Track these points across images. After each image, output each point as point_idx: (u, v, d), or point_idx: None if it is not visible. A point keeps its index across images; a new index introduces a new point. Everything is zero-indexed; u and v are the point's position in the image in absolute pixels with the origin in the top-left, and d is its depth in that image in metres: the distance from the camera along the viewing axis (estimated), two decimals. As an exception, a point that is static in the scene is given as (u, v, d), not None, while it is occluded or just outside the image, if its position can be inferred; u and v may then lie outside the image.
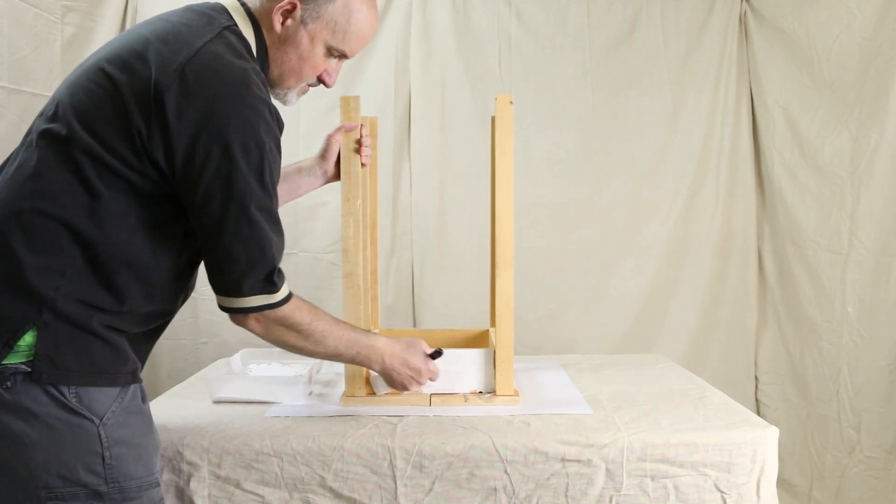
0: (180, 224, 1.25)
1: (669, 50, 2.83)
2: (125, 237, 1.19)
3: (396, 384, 1.63)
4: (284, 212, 2.80)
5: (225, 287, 1.26)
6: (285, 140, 2.98)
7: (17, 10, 2.23)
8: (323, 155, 1.78)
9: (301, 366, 1.99)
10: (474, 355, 1.77)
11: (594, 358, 2.31)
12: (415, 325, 2.82)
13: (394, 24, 2.78)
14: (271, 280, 1.27)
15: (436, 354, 1.67)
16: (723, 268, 2.88)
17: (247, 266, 1.23)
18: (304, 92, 1.45)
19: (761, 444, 1.53)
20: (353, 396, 1.73)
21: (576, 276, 2.85)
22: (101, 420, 1.18)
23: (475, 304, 2.55)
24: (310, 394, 1.82)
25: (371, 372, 1.70)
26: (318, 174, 1.79)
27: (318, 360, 1.96)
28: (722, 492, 1.52)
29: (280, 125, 1.28)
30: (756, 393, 2.89)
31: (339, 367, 1.96)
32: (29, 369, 1.13)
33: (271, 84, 1.37)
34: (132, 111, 1.16)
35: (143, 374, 3.08)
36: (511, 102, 1.70)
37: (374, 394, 1.74)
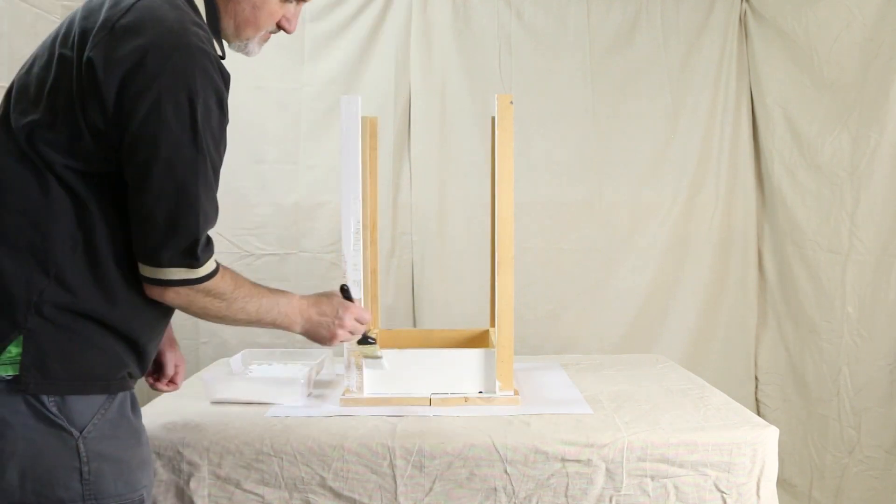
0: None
1: (669, 50, 2.83)
2: (100, 223, 1.14)
3: (325, 337, 1.47)
4: (285, 212, 2.81)
5: (144, 253, 1.14)
6: (285, 141, 2.99)
7: (17, 10, 2.23)
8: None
9: (301, 366, 1.99)
10: (474, 355, 1.77)
11: (594, 358, 2.31)
12: (415, 325, 2.82)
13: (394, 24, 2.78)
14: (193, 253, 1.15)
15: (344, 293, 1.54)
16: (723, 268, 2.88)
17: (167, 232, 1.12)
18: (265, 40, 1.34)
19: (761, 444, 1.53)
20: (353, 396, 1.73)
21: (576, 276, 2.85)
22: (80, 433, 1.12)
23: (475, 304, 2.55)
24: (308, 395, 1.82)
25: None
26: None
27: (317, 361, 1.96)
28: (722, 492, 1.52)
29: (225, 78, 1.17)
30: (756, 393, 2.89)
31: (339, 368, 1.97)
32: (9, 379, 1.08)
33: (228, 37, 1.30)
34: (73, 85, 1.10)
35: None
36: (511, 102, 1.70)
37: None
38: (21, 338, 1.09)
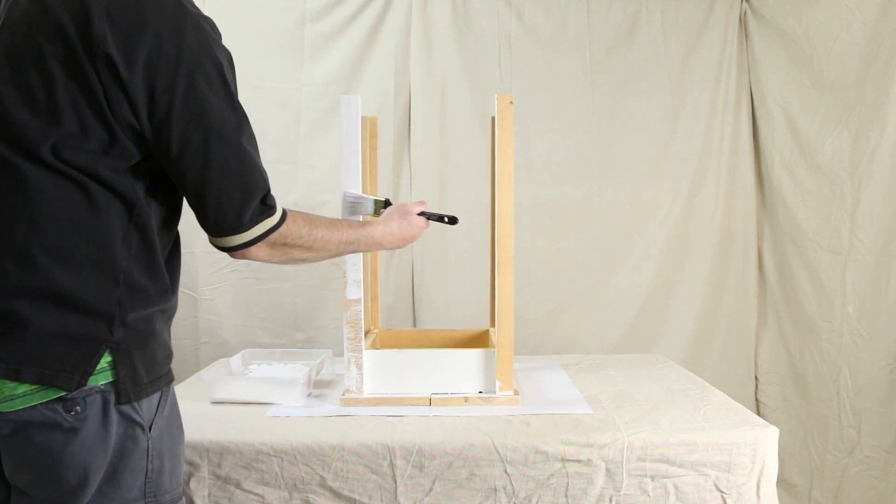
0: (162, 187, 1.17)
1: (669, 50, 2.83)
2: (146, 214, 1.13)
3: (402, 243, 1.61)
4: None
5: (225, 227, 1.17)
6: (285, 141, 2.99)
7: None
8: None
9: (301, 366, 1.99)
10: (474, 355, 1.77)
11: (594, 358, 2.31)
12: (415, 325, 2.82)
13: (394, 24, 2.78)
14: (266, 203, 1.20)
15: (438, 218, 1.65)
16: (723, 268, 2.88)
17: (243, 198, 1.16)
18: None
19: (761, 444, 1.53)
20: (353, 397, 1.73)
21: (576, 276, 2.85)
22: (149, 431, 1.13)
23: (475, 304, 2.55)
24: (308, 395, 1.82)
25: None
26: None
27: (317, 361, 1.96)
28: (722, 492, 1.52)
29: (220, 33, 1.18)
30: (756, 393, 2.89)
31: (339, 368, 1.97)
32: (102, 389, 1.07)
33: None
34: (94, 87, 1.05)
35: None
36: (511, 102, 1.70)
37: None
38: (109, 352, 1.08)
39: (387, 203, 1.70)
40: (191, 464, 1.50)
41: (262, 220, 1.19)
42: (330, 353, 2.06)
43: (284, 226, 1.24)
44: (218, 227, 1.17)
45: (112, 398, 1.08)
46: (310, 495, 1.50)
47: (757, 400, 2.88)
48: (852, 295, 2.39)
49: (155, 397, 1.15)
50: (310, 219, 1.32)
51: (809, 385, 2.61)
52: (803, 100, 2.60)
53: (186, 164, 1.12)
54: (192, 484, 1.50)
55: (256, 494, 1.51)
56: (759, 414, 2.80)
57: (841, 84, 2.43)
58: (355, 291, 1.72)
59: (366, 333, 1.88)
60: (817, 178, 2.55)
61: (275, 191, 3.09)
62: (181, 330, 2.76)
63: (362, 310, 1.73)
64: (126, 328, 1.10)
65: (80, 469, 1.07)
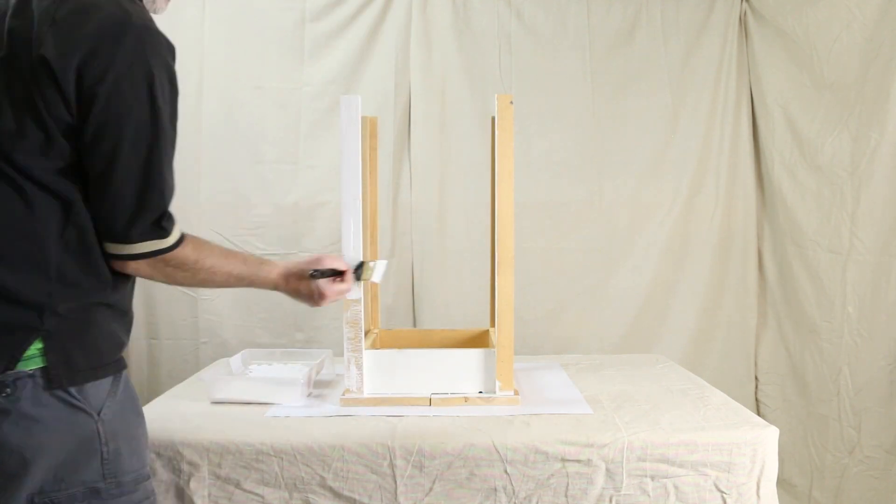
0: None
1: (669, 50, 2.83)
2: (84, 213, 1.17)
3: (310, 305, 1.54)
4: (285, 212, 2.80)
5: (113, 233, 1.18)
6: (285, 141, 2.98)
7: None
8: None
9: (301, 366, 1.99)
10: (474, 355, 1.77)
11: (594, 358, 2.31)
12: (415, 325, 2.82)
13: (394, 24, 2.78)
14: (160, 225, 1.20)
15: (315, 274, 1.50)
16: (723, 268, 2.88)
17: (136, 210, 1.17)
18: None
19: (761, 444, 1.53)
20: (353, 397, 1.73)
21: (576, 276, 2.85)
22: (98, 415, 1.17)
23: (475, 304, 2.55)
24: (308, 395, 1.82)
25: None
26: None
27: (317, 361, 1.96)
28: (722, 492, 1.52)
29: (171, 50, 1.20)
30: (756, 393, 2.89)
31: (339, 368, 1.97)
32: (32, 374, 1.12)
33: None
34: (32, 87, 1.10)
35: (144, 375, 3.07)
36: (511, 102, 1.70)
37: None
38: (41, 339, 1.13)
39: (358, 267, 1.67)
40: (191, 464, 1.51)
41: (150, 239, 1.20)
42: (330, 353, 2.05)
43: (175, 251, 1.24)
44: (106, 231, 1.19)
45: (42, 382, 1.12)
46: (310, 495, 1.50)
47: (757, 400, 2.89)
48: (852, 295, 2.39)
49: (104, 383, 1.18)
50: (203, 246, 1.30)
51: (809, 385, 2.61)
52: (803, 100, 2.60)
53: (94, 161, 1.15)
54: (192, 484, 1.50)
55: (256, 494, 1.51)
56: (759, 414, 2.80)
57: (841, 84, 2.43)
58: (355, 291, 1.72)
59: (366, 333, 1.88)
60: (817, 178, 2.55)
61: (275, 191, 3.10)
62: (181, 330, 2.77)
63: (362, 310, 1.73)
64: (59, 318, 1.14)
65: (16, 450, 1.11)
